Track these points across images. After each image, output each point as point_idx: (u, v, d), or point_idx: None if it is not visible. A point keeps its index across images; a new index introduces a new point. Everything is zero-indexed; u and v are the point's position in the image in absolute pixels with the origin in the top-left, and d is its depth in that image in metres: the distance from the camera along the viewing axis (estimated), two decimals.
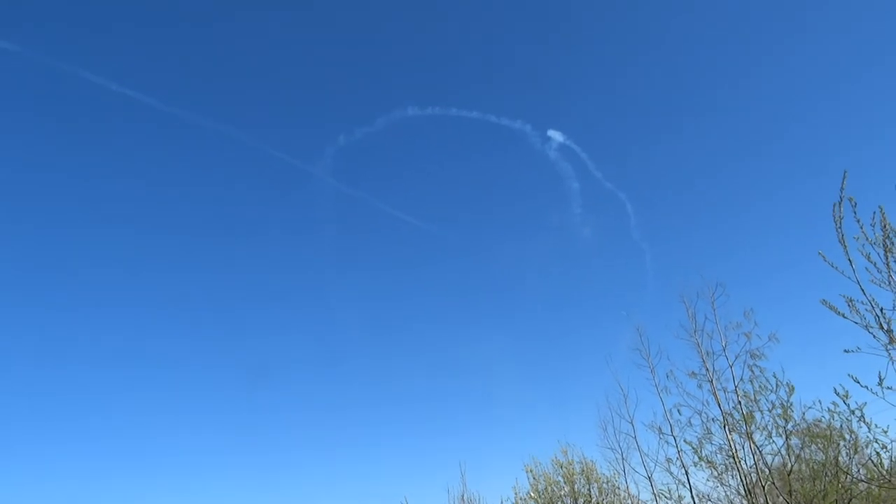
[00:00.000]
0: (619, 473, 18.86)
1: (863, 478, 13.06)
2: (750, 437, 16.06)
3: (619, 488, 18.74)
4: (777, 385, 15.05)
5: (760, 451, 15.81)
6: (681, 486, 17.79)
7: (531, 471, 19.39)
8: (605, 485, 18.81)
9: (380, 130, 65.27)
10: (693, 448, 17.18)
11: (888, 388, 9.50)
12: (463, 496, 18.66)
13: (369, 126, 67.66)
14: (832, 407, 12.65)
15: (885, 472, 10.73)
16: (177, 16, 69.47)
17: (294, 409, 67.58)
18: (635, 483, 18.73)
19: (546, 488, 19.07)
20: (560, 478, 19.10)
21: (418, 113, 59.77)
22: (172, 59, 72.20)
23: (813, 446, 15.07)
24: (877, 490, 12.71)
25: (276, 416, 65.47)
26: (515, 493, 19.40)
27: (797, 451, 15.20)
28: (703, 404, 17.04)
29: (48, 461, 55.63)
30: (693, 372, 17.29)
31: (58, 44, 65.94)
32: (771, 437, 15.55)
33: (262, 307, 76.27)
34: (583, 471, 19.01)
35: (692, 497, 17.47)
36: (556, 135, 53.34)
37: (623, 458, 18.90)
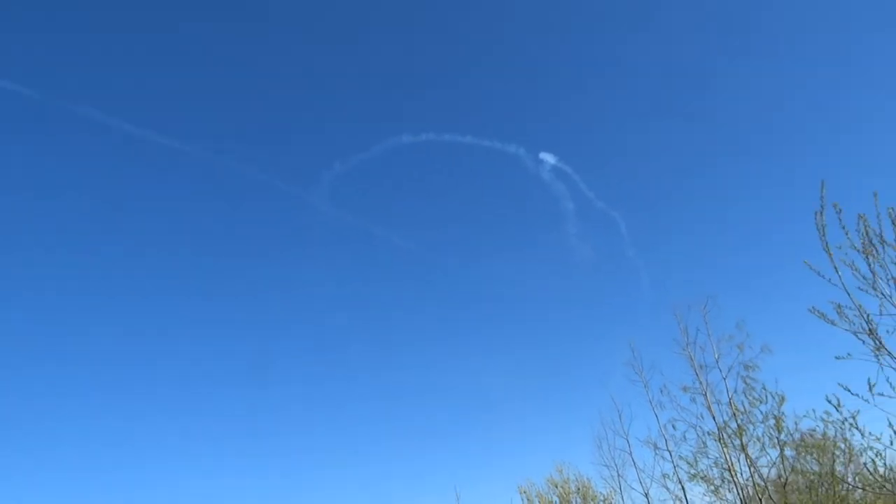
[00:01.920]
0: (615, 491, 18.72)
1: (858, 486, 13.04)
2: (744, 449, 16.03)
3: None
4: (768, 396, 15.08)
5: (755, 464, 15.77)
6: (677, 502, 17.69)
7: (525, 492, 19.18)
8: (601, 503, 18.61)
9: (375, 157, 65.93)
10: (688, 463, 17.13)
11: (879, 394, 9.53)
12: None
13: (365, 152, 68.32)
14: (825, 416, 12.60)
15: (880, 479, 10.70)
16: (172, 44, 70.11)
17: (291, 420, 67.19)
18: (632, 500, 18.61)
19: None
20: (555, 497, 18.90)
21: (413, 139, 60.42)
22: (162, 86, 72.70)
23: (808, 457, 15.04)
24: (872, 497, 12.68)
25: (275, 427, 65.22)
26: None
27: (792, 463, 15.17)
28: (697, 418, 17.05)
29: (47, 461, 55.19)
30: (686, 386, 17.31)
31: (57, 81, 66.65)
32: (765, 449, 15.55)
33: (261, 326, 75.83)
34: (578, 489, 18.82)
35: None
36: (548, 157, 54.08)
37: (619, 475, 18.78)
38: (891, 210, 8.94)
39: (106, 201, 73.16)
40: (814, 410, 12.83)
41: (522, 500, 19.16)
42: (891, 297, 9.11)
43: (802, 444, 14.93)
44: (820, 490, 14.18)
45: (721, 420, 16.54)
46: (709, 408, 16.74)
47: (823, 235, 9.59)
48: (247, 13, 72.33)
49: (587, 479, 19.08)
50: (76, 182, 72.71)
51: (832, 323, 9.61)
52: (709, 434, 16.69)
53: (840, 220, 9.37)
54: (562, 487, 18.95)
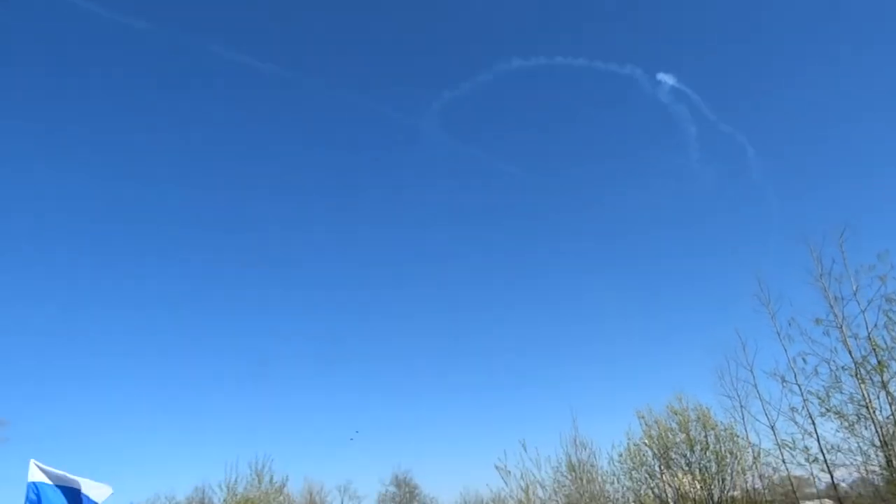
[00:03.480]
0: (737, 421, 18.36)
1: None
2: (885, 386, 14.98)
3: (737, 436, 18.26)
4: None
5: None
6: (807, 437, 17.01)
7: (643, 417, 19.39)
8: (722, 432, 18.39)
9: (485, 83, 65.16)
10: (819, 398, 16.31)
11: None
12: (575, 440, 19.12)
13: (474, 79, 67.45)
14: None
15: None
16: None
17: (417, 355, 71.60)
18: (756, 432, 18.15)
19: (660, 434, 19.01)
20: (675, 424, 18.94)
21: (523, 64, 58.63)
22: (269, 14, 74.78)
23: None
24: None
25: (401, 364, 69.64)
26: (628, 439, 19.52)
27: None
28: (830, 352, 15.99)
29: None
30: (819, 319, 16.20)
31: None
32: None
33: (371, 264, 79.78)
34: (698, 418, 18.68)
35: (820, 448, 16.67)
36: (666, 78, 50.23)
37: (742, 406, 18.32)
38: None
39: (217, 134, 77.71)
40: None
41: (641, 424, 19.44)
42: None
43: None
44: None
45: (858, 355, 15.46)
46: (844, 342, 15.63)
47: None
48: None
49: (707, 408, 18.87)
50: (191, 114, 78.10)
51: None
52: (844, 369, 15.68)
53: None
54: (681, 415, 18.92)
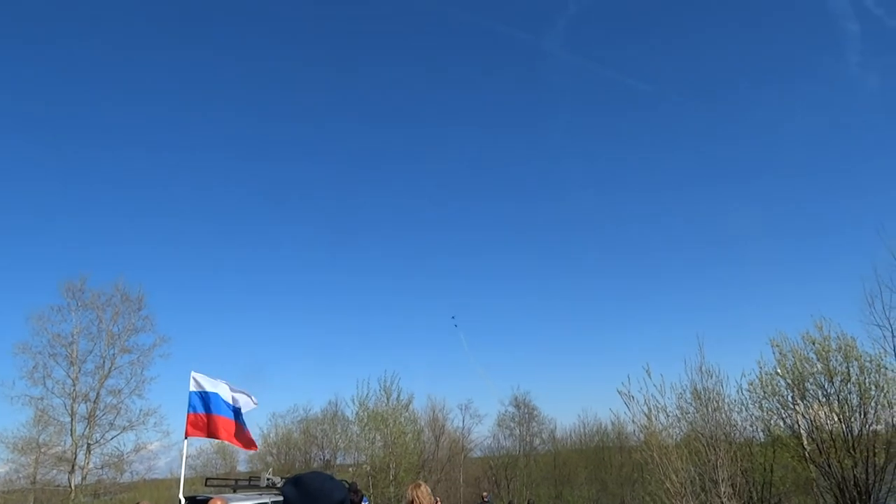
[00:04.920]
0: (887, 353, 16.53)
1: None
2: None
3: (886, 368, 16.50)
4: None
5: None
6: None
7: (777, 345, 18.24)
8: (868, 363, 16.74)
9: None
10: None
11: None
12: (701, 367, 18.66)
13: None
14: None
15: None
16: None
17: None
18: None
19: (795, 364, 17.85)
20: (812, 354, 17.63)
21: None
22: None
23: None
24: None
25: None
26: (760, 368, 18.57)
27: None
28: None
29: None
30: None
31: None
32: None
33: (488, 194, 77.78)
34: (840, 348, 17.17)
35: None
36: None
37: (894, 336, 16.44)
38: None
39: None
40: None
41: (774, 353, 18.26)
42: None
43: None
44: None
45: None
46: None
47: None
48: None
49: (852, 338, 17.14)
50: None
51: None
52: None
53: None
54: (820, 344, 17.49)
